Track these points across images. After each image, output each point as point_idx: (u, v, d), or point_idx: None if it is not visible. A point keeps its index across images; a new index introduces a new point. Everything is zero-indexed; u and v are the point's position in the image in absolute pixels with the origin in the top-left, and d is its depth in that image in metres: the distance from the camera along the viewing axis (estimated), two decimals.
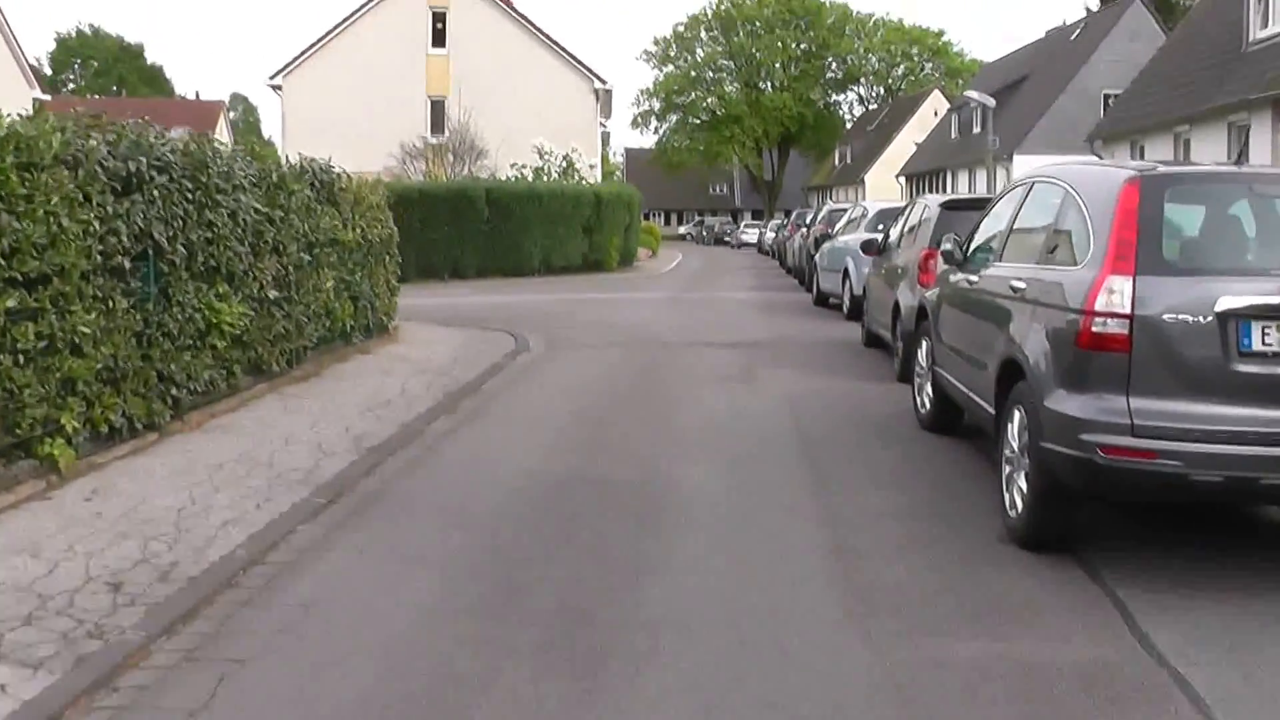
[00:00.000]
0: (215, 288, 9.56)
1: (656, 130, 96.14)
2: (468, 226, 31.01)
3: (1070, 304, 5.55)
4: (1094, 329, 5.32)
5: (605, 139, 65.88)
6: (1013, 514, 6.12)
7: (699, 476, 7.68)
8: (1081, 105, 44.10)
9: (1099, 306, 5.30)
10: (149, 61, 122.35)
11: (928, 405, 8.89)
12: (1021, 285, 6.34)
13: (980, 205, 11.19)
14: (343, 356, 12.79)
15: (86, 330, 7.44)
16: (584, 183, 36.61)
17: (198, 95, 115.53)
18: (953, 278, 8.25)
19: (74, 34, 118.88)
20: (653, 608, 5.27)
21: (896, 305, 11.64)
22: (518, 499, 7.21)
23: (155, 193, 8.38)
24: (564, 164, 36.53)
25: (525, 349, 14.72)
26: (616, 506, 6.97)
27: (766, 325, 17.80)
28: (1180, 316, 5.17)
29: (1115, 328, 5.26)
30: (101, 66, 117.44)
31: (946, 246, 8.14)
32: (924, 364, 9.04)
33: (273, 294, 10.66)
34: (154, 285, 8.52)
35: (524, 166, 35.94)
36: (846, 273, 18.24)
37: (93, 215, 7.52)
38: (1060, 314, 5.66)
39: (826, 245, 20.72)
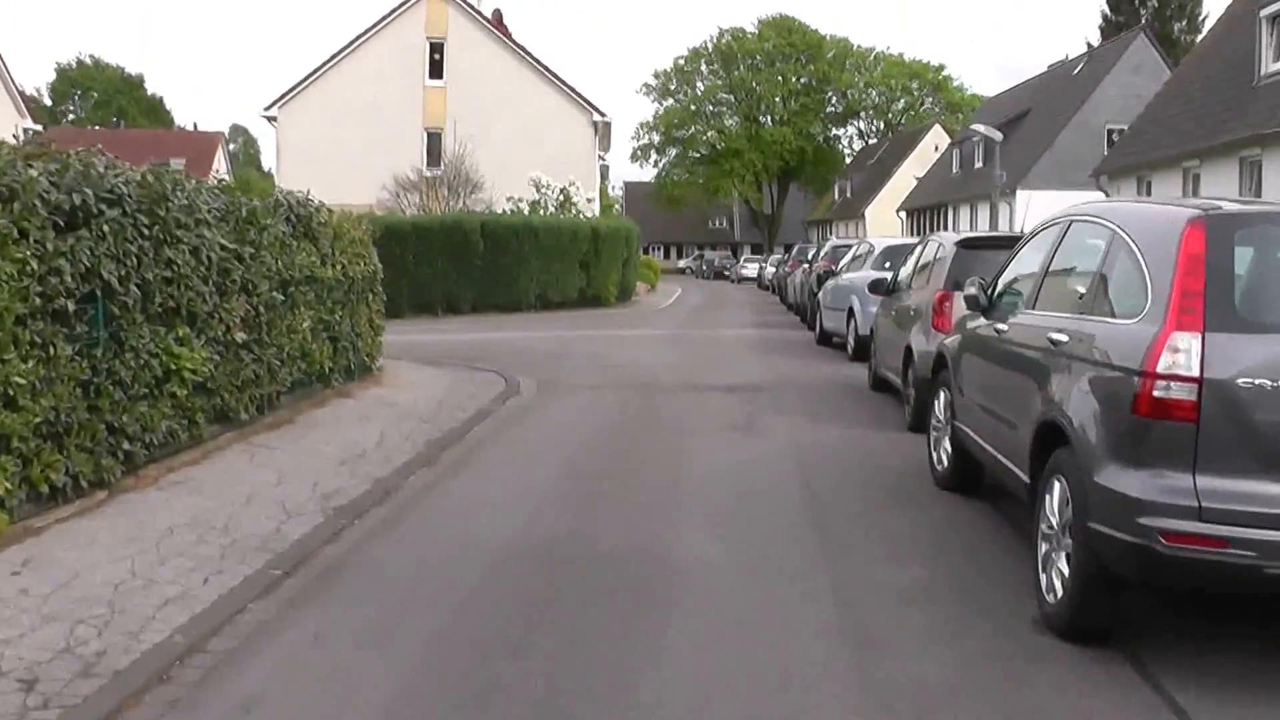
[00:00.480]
0: (175, 330, 8.86)
1: (656, 163, 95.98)
2: (462, 261, 30.42)
3: (1125, 364, 4.83)
4: (1155, 394, 4.59)
5: (604, 172, 65.47)
6: (1051, 599, 5.38)
7: (698, 545, 6.96)
8: (1086, 140, 43.59)
9: (1161, 368, 4.57)
10: (149, 92, 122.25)
11: (945, 462, 8.18)
12: (1062, 338, 5.63)
13: (1000, 245, 10.54)
14: (320, 401, 12.08)
15: (23, 381, 6.73)
16: (581, 216, 36.01)
17: (195, 126, 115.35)
18: (974, 324, 7.56)
19: (74, 64, 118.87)
20: (645, 712, 4.54)
21: (909, 350, 10.95)
22: (497, 573, 6.48)
23: (105, 228, 7.67)
24: (561, 197, 35.91)
25: (515, 392, 14.01)
26: (606, 582, 6.25)
27: (768, 366, 17.11)
28: (1258, 381, 4.45)
29: (1180, 393, 4.53)
30: (102, 97, 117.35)
31: (970, 290, 7.45)
32: (941, 417, 8.32)
33: (241, 336, 9.97)
34: (103, 329, 7.81)
35: (520, 200, 35.35)
36: (851, 312, 17.56)
37: (29, 253, 6.82)
38: (1112, 375, 4.94)
39: (830, 283, 20.06)
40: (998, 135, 27.67)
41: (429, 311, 30.28)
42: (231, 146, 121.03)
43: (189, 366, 8.93)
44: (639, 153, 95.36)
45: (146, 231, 8.39)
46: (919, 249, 12.52)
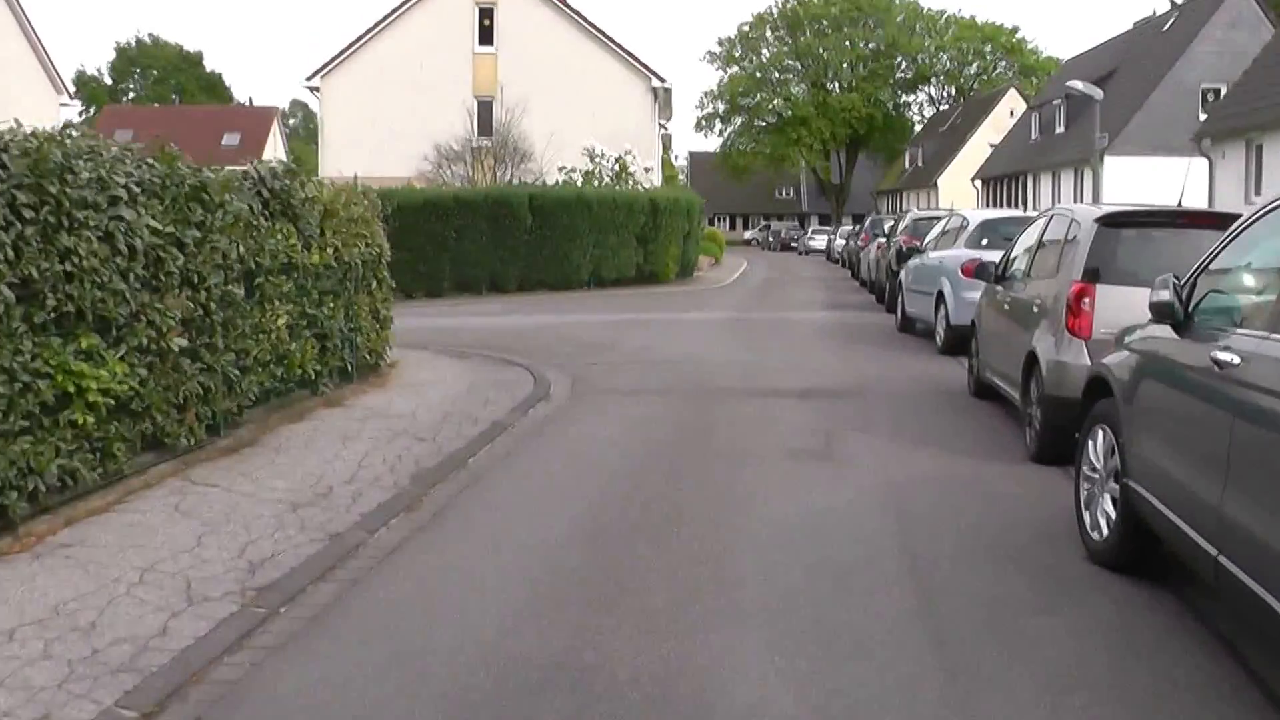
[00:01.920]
0: (77, 342, 6.77)
1: (721, 133, 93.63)
2: (508, 236, 28.30)
3: None
4: None
5: (667, 142, 63.10)
6: None
7: (755, 670, 4.70)
8: (1178, 101, 40.56)
9: None
10: (208, 69, 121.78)
11: (1106, 530, 5.82)
12: None
13: (1154, 223, 8.20)
14: (299, 413, 9.96)
15: None
16: (639, 188, 33.66)
17: (250, 101, 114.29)
18: (1158, 341, 5.24)
19: (134, 43, 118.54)
20: None
21: (1033, 357, 8.57)
22: None
23: None
24: (617, 168, 33.55)
25: (544, 396, 11.82)
26: None
27: (845, 361, 14.76)
28: None
29: None
30: (161, 75, 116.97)
31: (1161, 296, 5.11)
32: (1100, 464, 5.97)
33: (180, 343, 7.86)
34: None
35: (573, 170, 33.05)
36: (941, 297, 15.18)
37: None
38: None
39: (914, 261, 17.64)
40: (1098, 93, 24.96)
41: (472, 290, 28.24)
42: (291, 121, 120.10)
43: (98, 386, 6.84)
44: (703, 122, 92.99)
45: (31, 214, 6.31)
46: (1039, 225, 10.06)
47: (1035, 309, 8.86)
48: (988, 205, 55.08)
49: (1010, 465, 8.40)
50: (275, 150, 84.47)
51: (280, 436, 9.20)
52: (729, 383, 12.70)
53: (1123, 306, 7.24)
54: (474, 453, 9.03)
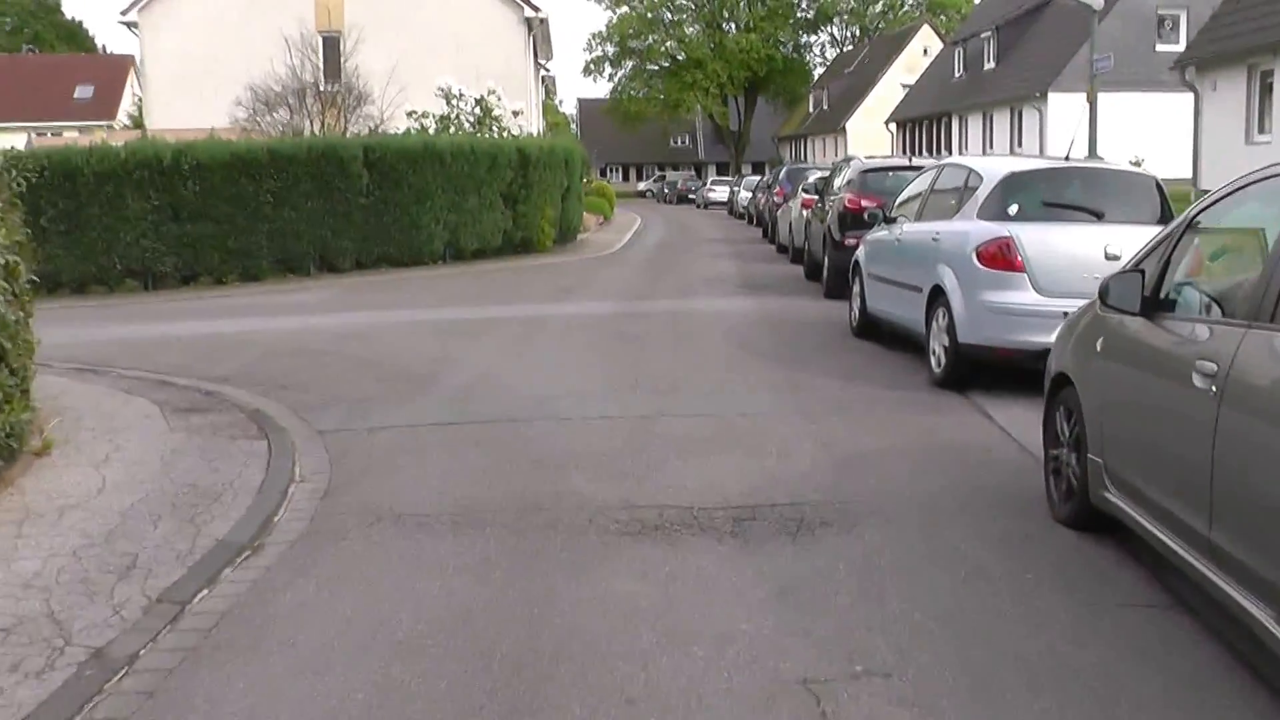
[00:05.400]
0: None
1: (611, 78, 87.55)
2: (340, 200, 22.24)
3: None
4: None
5: (549, 86, 56.95)
6: None
7: None
8: (1132, 29, 35.51)
9: None
10: (68, 16, 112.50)
11: None
12: None
13: None
14: None
15: None
16: (508, 135, 27.62)
17: (104, 49, 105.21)
18: None
19: None
20: None
21: None
22: None
23: None
24: (479, 112, 27.36)
25: (259, 531, 6.08)
26: None
27: (796, 409, 9.18)
28: None
29: None
30: (18, 24, 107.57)
31: None
32: None
33: None
34: None
35: (424, 115, 26.83)
36: (939, 297, 9.69)
37: None
38: None
39: (882, 235, 12.05)
40: (1097, 1, 19.71)
41: (298, 270, 22.20)
42: None
43: None
44: (592, 66, 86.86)
45: None
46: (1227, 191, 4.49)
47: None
48: (902, 152, 49.90)
49: None
50: (130, 103, 76.34)
51: None
52: (603, 485, 6.98)
53: None
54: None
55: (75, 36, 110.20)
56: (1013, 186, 9.71)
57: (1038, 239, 9.21)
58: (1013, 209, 9.50)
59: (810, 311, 15.24)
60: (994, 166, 10.23)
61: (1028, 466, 7.18)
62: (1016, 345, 9.07)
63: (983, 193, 9.80)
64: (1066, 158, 10.42)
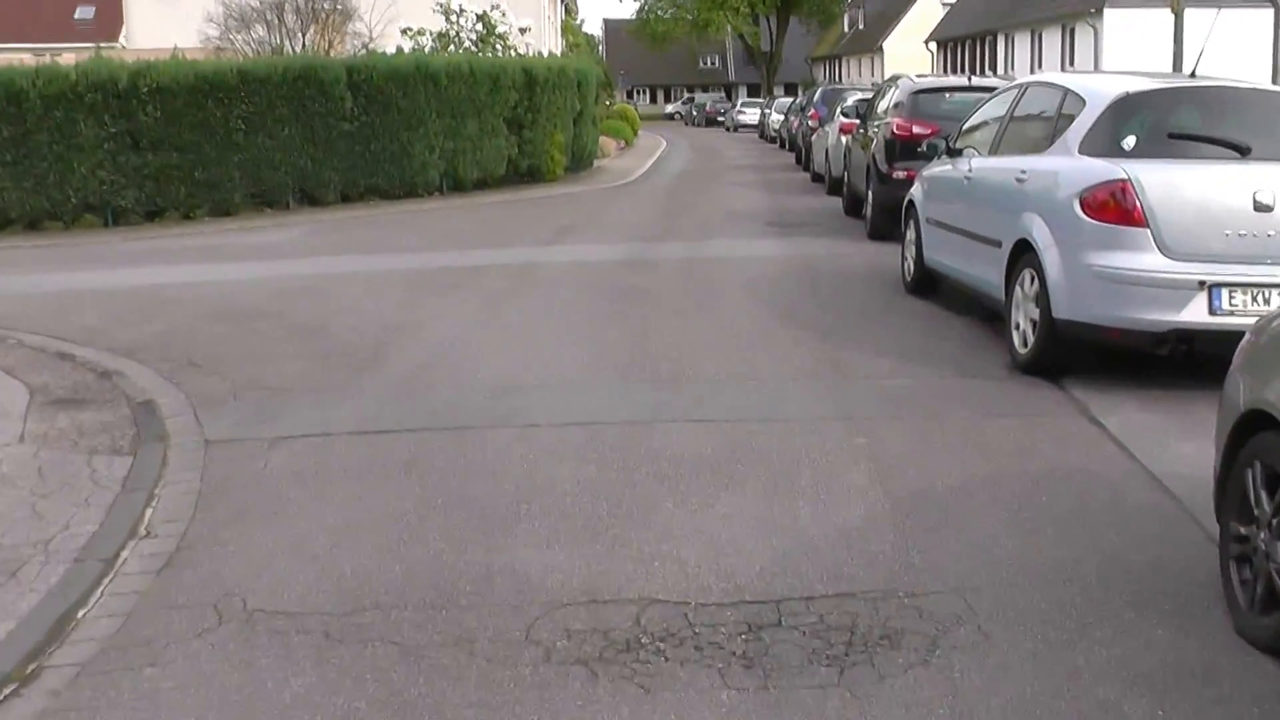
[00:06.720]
0: None
1: None
2: (322, 126, 19.95)
3: None
4: None
5: (570, 4, 54.20)
6: None
7: None
8: None
9: None
10: None
11: None
12: None
13: None
14: None
15: None
16: (513, 55, 25.14)
17: None
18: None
19: None
20: None
21: None
22: None
23: None
24: (481, 29, 24.84)
25: (41, 652, 3.90)
26: None
27: (830, 402, 6.98)
28: None
29: None
30: None
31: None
32: None
33: None
34: None
35: (420, 33, 24.35)
36: (1028, 254, 7.38)
37: None
38: None
39: (945, 171, 9.66)
40: None
41: (276, 203, 20.00)
42: None
43: None
44: None
45: None
46: None
47: None
48: (946, 72, 47.08)
49: None
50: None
51: None
52: (559, 553, 4.76)
53: None
54: None
55: None
56: (1126, 111, 7.35)
57: (1163, 182, 6.86)
58: (1128, 142, 7.15)
59: (853, 258, 12.88)
60: (1100, 86, 7.83)
61: (1171, 515, 4.97)
62: (1134, 325, 6.79)
63: (1086, 120, 7.43)
64: (1193, 74, 8.05)
